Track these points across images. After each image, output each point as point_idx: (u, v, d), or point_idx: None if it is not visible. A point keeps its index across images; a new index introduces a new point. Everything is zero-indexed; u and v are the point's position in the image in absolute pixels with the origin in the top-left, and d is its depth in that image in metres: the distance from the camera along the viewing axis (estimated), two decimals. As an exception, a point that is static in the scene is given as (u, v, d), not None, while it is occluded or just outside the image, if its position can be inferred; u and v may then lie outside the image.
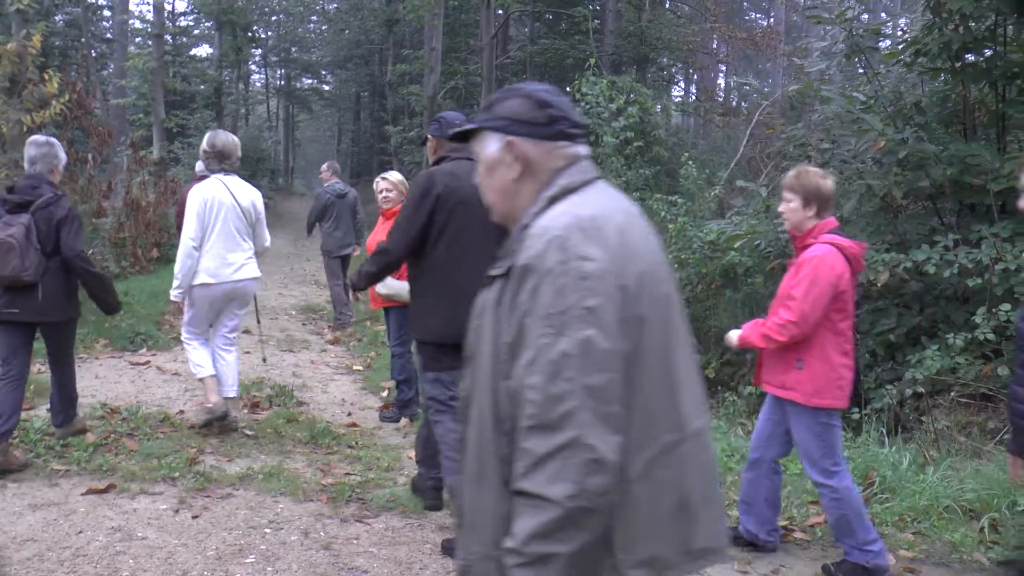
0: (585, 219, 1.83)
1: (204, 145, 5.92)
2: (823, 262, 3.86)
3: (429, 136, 4.59)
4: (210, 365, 5.85)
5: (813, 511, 4.89)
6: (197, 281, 5.68)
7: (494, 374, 1.83)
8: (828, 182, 4.01)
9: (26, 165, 5.20)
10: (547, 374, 1.70)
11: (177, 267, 5.65)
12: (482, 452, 1.86)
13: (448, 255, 4.10)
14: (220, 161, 5.83)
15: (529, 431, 1.70)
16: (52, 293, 4.99)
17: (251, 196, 5.91)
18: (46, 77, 10.41)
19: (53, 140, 5.34)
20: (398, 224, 4.26)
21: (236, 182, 5.89)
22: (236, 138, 6.05)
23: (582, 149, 2.04)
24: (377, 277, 4.66)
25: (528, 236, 1.84)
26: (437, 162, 4.37)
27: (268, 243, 6.15)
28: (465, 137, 2.07)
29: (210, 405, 5.77)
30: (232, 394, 5.95)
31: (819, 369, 3.93)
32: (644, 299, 1.83)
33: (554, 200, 1.93)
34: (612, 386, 1.73)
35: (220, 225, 5.69)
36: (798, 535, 4.60)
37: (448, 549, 4.10)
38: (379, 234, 6.17)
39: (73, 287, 5.19)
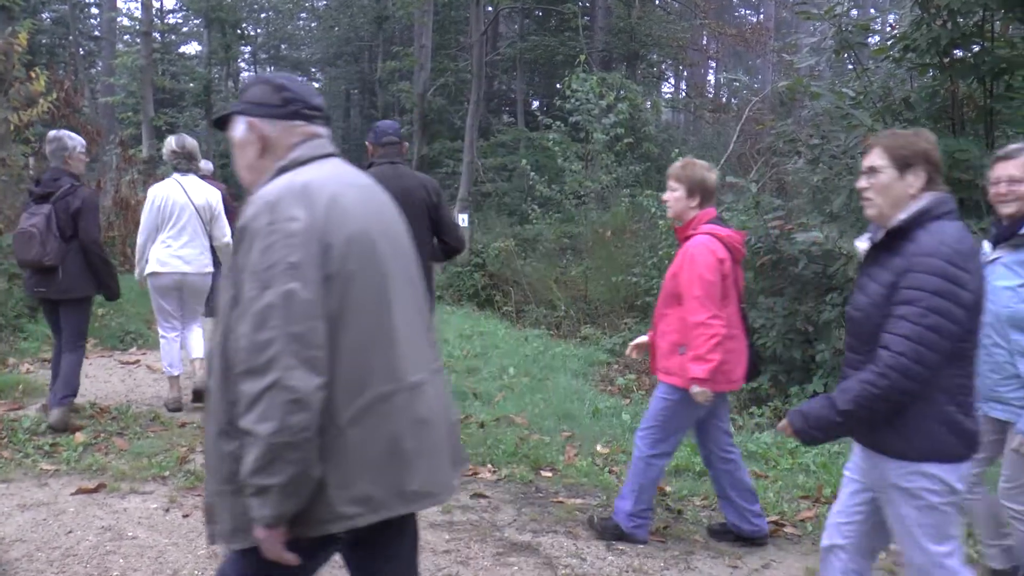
0: (297, 185, 2.05)
1: (173, 147, 6.33)
2: (706, 251, 3.99)
3: (367, 142, 5.16)
4: (177, 365, 6.37)
5: (804, 506, 4.90)
6: (148, 270, 6.19)
7: (224, 328, 2.02)
8: (713, 175, 4.18)
9: (48, 158, 5.87)
10: (254, 324, 1.89)
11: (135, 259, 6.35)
12: (215, 398, 2.06)
13: None
14: (189, 161, 6.32)
15: (242, 375, 1.90)
16: (73, 273, 5.60)
17: (206, 195, 6.28)
18: (33, 75, 10.37)
19: (60, 133, 5.89)
20: None
21: (193, 182, 6.30)
22: (195, 141, 6.51)
23: (319, 129, 2.28)
24: None
25: (250, 202, 2.05)
26: (369, 165, 5.00)
27: (227, 238, 6.31)
28: (223, 124, 2.30)
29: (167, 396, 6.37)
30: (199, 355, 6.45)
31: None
32: (352, 258, 2.04)
33: (283, 170, 2.17)
34: (313, 333, 1.93)
35: (173, 221, 6.16)
36: (788, 530, 4.61)
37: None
38: None
39: (91, 268, 5.70)
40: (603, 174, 14.08)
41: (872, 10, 21.79)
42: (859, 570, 2.93)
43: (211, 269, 6.37)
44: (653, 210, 11.06)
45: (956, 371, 2.59)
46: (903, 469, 2.64)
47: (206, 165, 10.86)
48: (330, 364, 1.97)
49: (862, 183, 2.78)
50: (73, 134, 5.94)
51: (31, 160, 10.56)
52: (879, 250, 2.74)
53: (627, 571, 4.04)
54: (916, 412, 2.59)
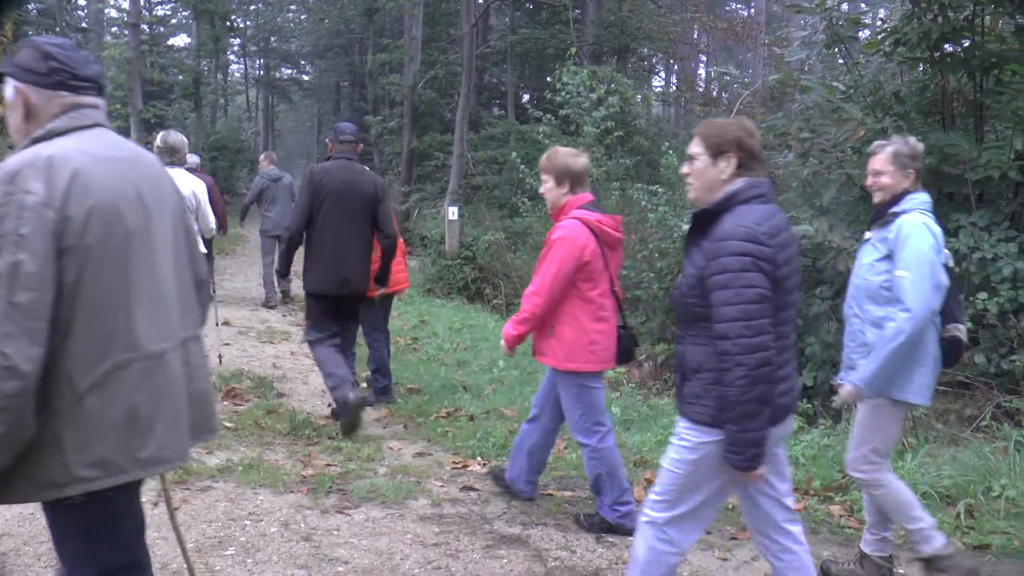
0: (42, 158, 2.08)
1: (158, 142, 6.70)
2: (567, 237, 4.19)
3: (327, 140, 6.15)
4: None
5: (794, 498, 4.90)
6: None
7: None
8: (579, 160, 4.34)
9: None
10: None
11: None
12: None
13: (324, 230, 5.78)
14: (171, 155, 6.56)
15: None
16: None
17: (191, 186, 6.38)
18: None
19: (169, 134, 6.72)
20: (294, 208, 6.12)
21: (178, 174, 6.31)
22: (183, 137, 6.93)
23: (88, 99, 2.30)
24: (287, 255, 6.34)
25: None
26: (327, 159, 6.07)
27: (212, 226, 6.69)
28: None
29: None
30: None
31: (569, 335, 4.23)
32: (92, 232, 2.11)
33: (36, 140, 2.19)
34: (36, 304, 2.00)
35: None
36: (778, 522, 4.62)
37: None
38: None
39: None
40: (593, 167, 14.06)
41: (863, 4, 21.80)
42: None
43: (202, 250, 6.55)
44: (643, 203, 11.04)
45: None
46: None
47: (193, 159, 11.08)
48: (66, 333, 2.06)
49: (684, 169, 2.97)
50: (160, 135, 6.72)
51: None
52: (694, 233, 2.89)
53: (617, 563, 4.04)
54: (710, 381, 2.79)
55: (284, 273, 6.69)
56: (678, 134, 21.53)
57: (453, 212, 14.65)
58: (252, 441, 5.61)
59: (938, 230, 3.67)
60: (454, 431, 6.02)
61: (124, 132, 20.58)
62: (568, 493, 4.95)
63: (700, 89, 29.91)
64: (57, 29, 26.46)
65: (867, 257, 3.81)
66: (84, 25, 30.37)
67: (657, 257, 9.97)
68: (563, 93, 14.26)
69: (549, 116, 15.22)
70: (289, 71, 46.38)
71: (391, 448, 5.70)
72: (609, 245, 4.28)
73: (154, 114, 23.66)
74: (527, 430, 4.67)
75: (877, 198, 3.89)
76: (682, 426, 2.91)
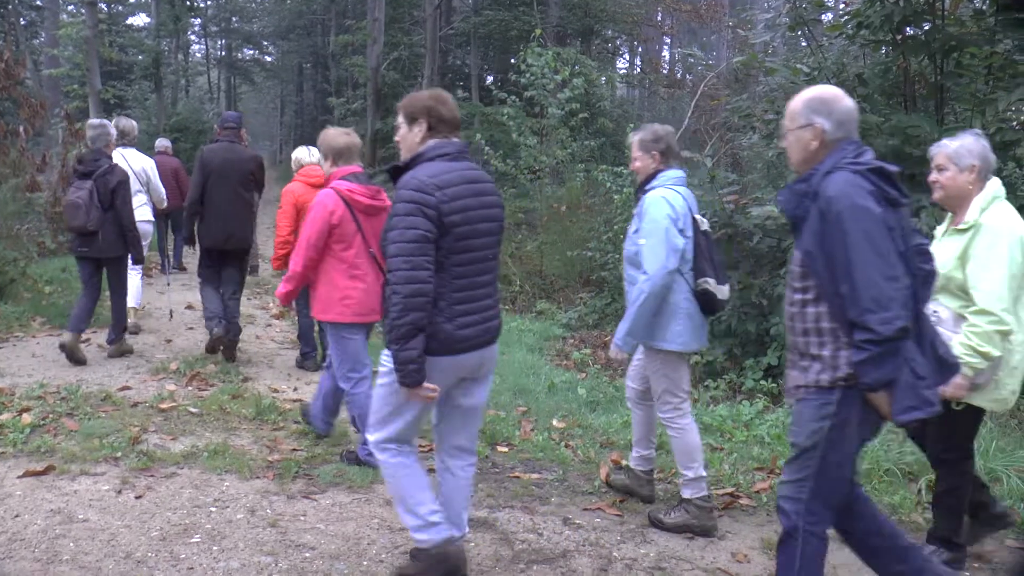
0: None
1: (111, 127, 7.52)
2: (319, 204, 4.76)
3: (215, 125, 7.59)
4: (136, 297, 8.11)
5: (759, 477, 4.96)
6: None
7: None
8: (342, 138, 4.91)
9: (88, 143, 7.16)
10: None
11: None
12: None
13: (211, 197, 7.03)
14: (122, 137, 7.91)
15: None
16: (110, 237, 6.86)
17: (141, 163, 8.12)
18: (-29, 46, 10.04)
19: (105, 121, 7.50)
20: (191, 184, 7.39)
21: (131, 153, 8.10)
22: (133, 122, 8.46)
23: None
24: (189, 223, 7.48)
25: None
26: (213, 142, 7.33)
27: (163, 197, 8.47)
28: None
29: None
30: (133, 304, 8.03)
31: (323, 290, 4.80)
32: None
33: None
34: None
35: None
36: (743, 501, 4.67)
37: None
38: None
39: (122, 233, 6.94)
40: (558, 149, 14.04)
41: (825, -14, 21.93)
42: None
43: (149, 218, 8.27)
44: (608, 185, 11.05)
45: (441, 282, 3.23)
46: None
47: (163, 142, 10.83)
48: None
49: (396, 137, 3.53)
50: (111, 126, 7.43)
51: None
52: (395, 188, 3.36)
53: (584, 545, 4.06)
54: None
55: (188, 240, 7.80)
56: (643, 116, 21.57)
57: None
58: (217, 426, 5.55)
59: (680, 201, 4.21)
60: None
61: (83, 113, 20.26)
62: (535, 475, 4.96)
63: (664, 71, 29.92)
64: (10, 7, 25.86)
65: (631, 227, 4.39)
66: (39, 3, 29.67)
67: (623, 238, 9.98)
68: (527, 75, 14.20)
69: (514, 98, 15.17)
70: (251, 52, 45.81)
71: (356, 432, 5.67)
72: (362, 212, 4.77)
73: (113, 95, 23.27)
74: (324, 376, 5.28)
75: (639, 180, 4.45)
76: (383, 354, 3.34)
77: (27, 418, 5.33)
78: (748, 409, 6.13)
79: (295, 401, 6.19)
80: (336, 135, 4.96)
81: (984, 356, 3.50)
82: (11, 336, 7.68)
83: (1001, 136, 6.49)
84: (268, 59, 45.39)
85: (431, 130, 3.38)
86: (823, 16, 8.74)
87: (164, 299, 9.30)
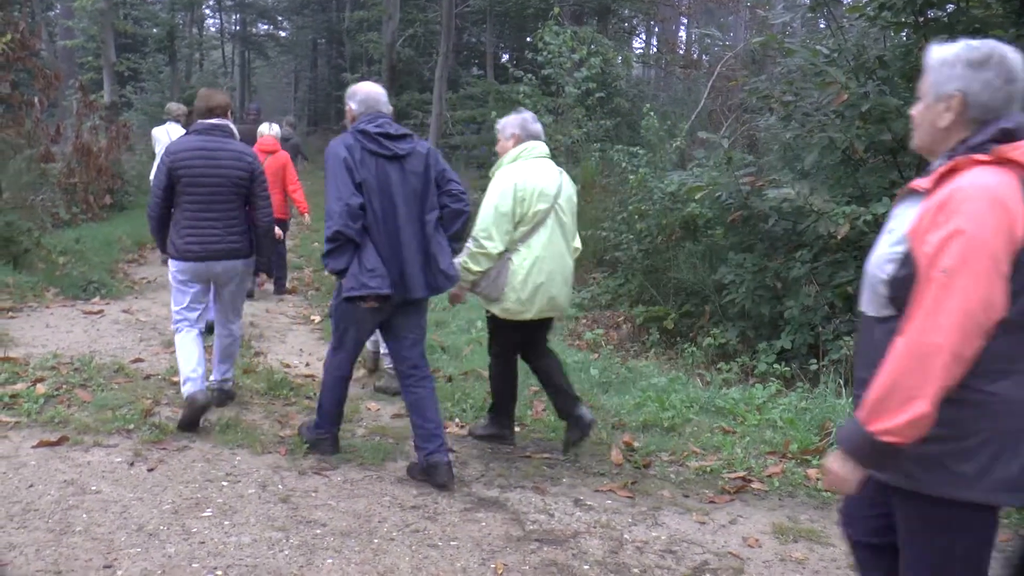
0: None
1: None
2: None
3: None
4: None
5: (771, 462, 4.94)
6: None
7: None
8: (214, 97, 5.25)
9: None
10: None
11: None
12: None
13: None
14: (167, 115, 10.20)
15: None
16: None
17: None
18: (-15, 17, 10.03)
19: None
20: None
21: (173, 127, 10.00)
22: (177, 104, 10.42)
23: None
24: None
25: None
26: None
27: None
28: None
29: None
30: None
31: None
32: None
33: None
34: None
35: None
36: (755, 485, 4.65)
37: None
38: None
39: None
40: (574, 128, 13.98)
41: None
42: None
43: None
44: (623, 165, 10.99)
45: (177, 212, 5.04)
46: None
47: (178, 107, 10.77)
48: None
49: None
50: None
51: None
52: None
53: (595, 526, 4.05)
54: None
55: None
56: (658, 96, 21.40)
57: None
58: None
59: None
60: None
61: (97, 85, 20.24)
62: (546, 455, 4.95)
63: (681, 51, 29.66)
64: (26, -21, 25.81)
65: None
66: (55, -25, 29.66)
67: (637, 219, 9.93)
68: (545, 53, 14.11)
69: (530, 76, 15.09)
70: (266, 27, 45.64)
71: (369, 409, 5.68)
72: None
73: (127, 67, 23.24)
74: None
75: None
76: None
77: (41, 388, 5.35)
78: (761, 392, 6.09)
79: (307, 376, 6.19)
80: (209, 95, 5.34)
81: (468, 271, 4.64)
82: (25, 306, 7.70)
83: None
84: (282, 34, 45.20)
85: (197, 115, 5.17)
86: (844, -3, 8.64)
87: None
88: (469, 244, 4.63)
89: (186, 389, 4.88)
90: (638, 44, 33.88)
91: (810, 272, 7.25)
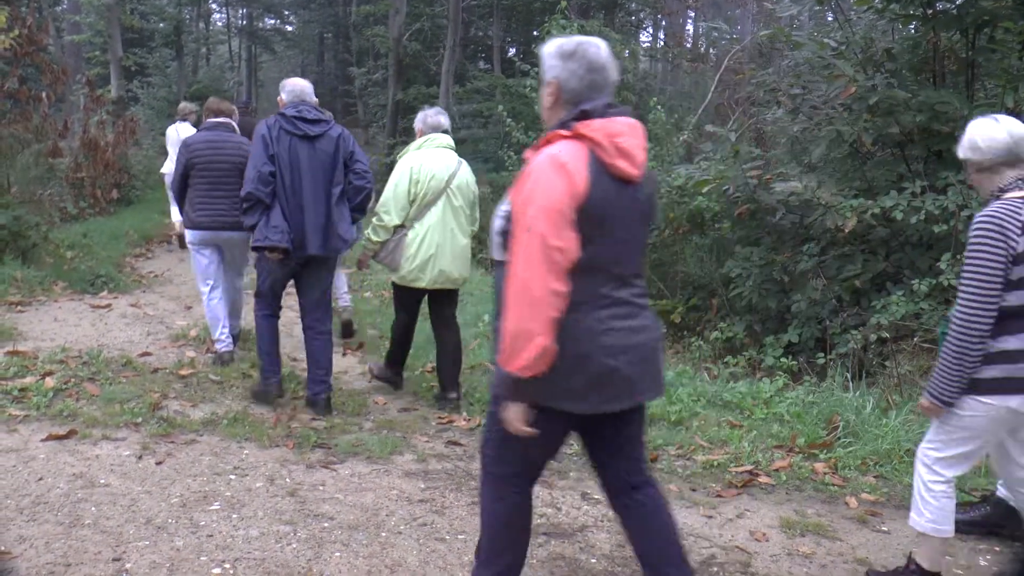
0: None
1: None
2: None
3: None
4: None
5: (778, 456, 4.93)
6: None
7: None
8: (219, 104, 6.47)
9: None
10: None
11: None
12: None
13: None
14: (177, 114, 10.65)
15: None
16: None
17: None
18: (-7, 12, 10.03)
19: None
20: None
21: (183, 127, 10.12)
22: (187, 103, 10.62)
23: None
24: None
25: None
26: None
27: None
28: None
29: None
30: None
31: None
32: None
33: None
34: None
35: None
36: (763, 479, 4.64)
37: None
38: None
39: None
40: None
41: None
42: None
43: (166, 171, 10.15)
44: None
45: (191, 191, 6.04)
46: None
47: (189, 107, 10.91)
48: None
49: None
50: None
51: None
52: None
53: (602, 520, 4.05)
54: None
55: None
56: (665, 90, 21.38)
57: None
58: (237, 394, 5.57)
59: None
60: (439, 386, 6.00)
61: (104, 80, 20.26)
62: (554, 449, 4.95)
63: (688, 45, 29.59)
64: (34, -26, 25.82)
65: None
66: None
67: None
68: (551, 46, 14.08)
69: (537, 70, 15.07)
70: (272, 21, 45.61)
71: (376, 403, 5.69)
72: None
73: (134, 62, 23.27)
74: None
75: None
76: None
77: (50, 382, 5.37)
78: (768, 386, 6.08)
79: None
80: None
81: (370, 241, 5.47)
82: (34, 300, 7.73)
83: (1033, 113, 6.38)
84: (289, 28, 45.13)
85: (206, 116, 6.24)
86: (852, -11, 8.58)
87: (185, 266, 9.34)
88: (372, 218, 5.50)
89: (217, 347, 6.25)
90: (645, 38, 33.81)
91: (817, 266, 7.23)
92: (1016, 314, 3.11)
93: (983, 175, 3.27)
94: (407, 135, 21.44)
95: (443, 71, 16.84)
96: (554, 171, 2.48)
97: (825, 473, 4.73)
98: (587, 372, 2.59)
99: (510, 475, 2.87)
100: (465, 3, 21.64)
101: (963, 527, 3.85)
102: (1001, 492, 3.96)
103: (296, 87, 5.40)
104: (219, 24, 44.52)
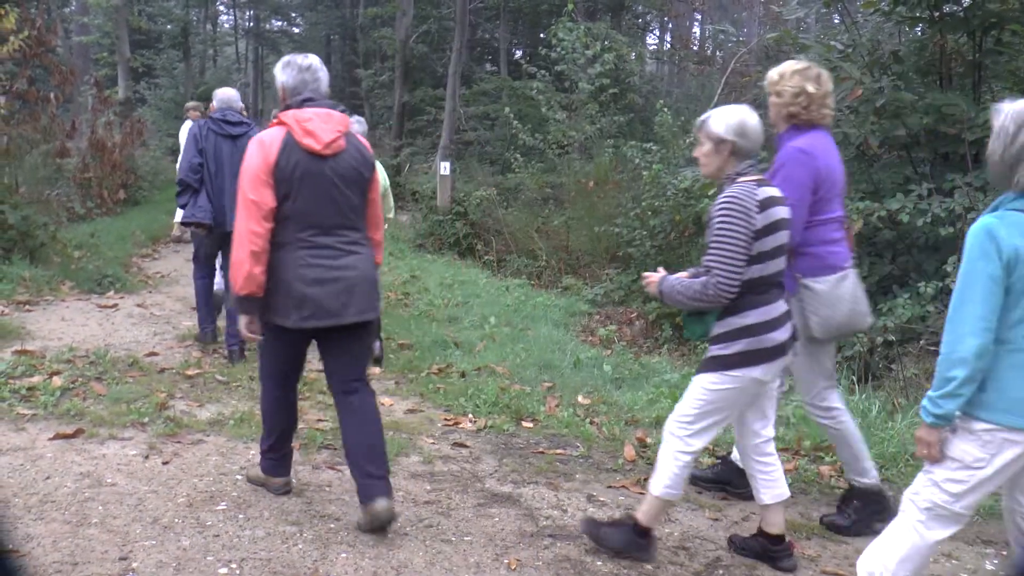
0: None
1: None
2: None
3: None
4: None
5: (784, 459, 4.90)
6: None
7: None
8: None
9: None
10: None
11: None
12: None
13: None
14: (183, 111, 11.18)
15: None
16: None
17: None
18: (2, 13, 10.07)
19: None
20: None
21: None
22: (192, 101, 10.56)
23: None
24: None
25: None
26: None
27: None
28: None
29: None
30: None
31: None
32: None
33: None
34: None
35: None
36: (769, 482, 4.63)
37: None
38: None
39: None
40: (587, 124, 13.96)
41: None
42: None
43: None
44: (636, 161, 10.98)
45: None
46: None
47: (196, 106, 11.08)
48: None
49: None
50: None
51: (2, 99, 10.33)
52: None
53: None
54: None
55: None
56: (672, 92, 21.37)
57: (445, 167, 14.54)
58: (243, 394, 5.59)
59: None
60: (445, 387, 6.01)
61: (112, 81, 20.31)
62: (559, 451, 4.96)
63: (695, 47, 29.57)
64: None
65: None
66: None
67: (650, 215, 9.92)
68: (559, 49, 14.10)
69: (543, 72, 15.07)
70: (279, 23, 45.72)
71: (382, 404, 5.65)
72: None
73: (142, 63, 23.34)
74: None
75: None
76: None
77: (57, 381, 5.39)
78: (774, 389, 6.07)
79: (320, 371, 6.20)
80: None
81: None
82: (41, 299, 7.76)
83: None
84: (296, 30, 45.23)
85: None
86: (859, -8, 8.58)
87: (190, 267, 9.36)
88: None
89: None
90: (652, 40, 33.83)
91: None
92: (754, 289, 3.39)
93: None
94: (414, 137, 21.49)
95: (450, 73, 16.82)
96: (256, 148, 3.56)
97: (831, 476, 4.73)
98: (288, 295, 3.55)
99: (268, 375, 3.92)
100: (472, 5, 21.66)
101: (700, 483, 4.50)
102: (735, 456, 4.43)
103: (225, 96, 6.59)
104: (226, 26, 44.68)
